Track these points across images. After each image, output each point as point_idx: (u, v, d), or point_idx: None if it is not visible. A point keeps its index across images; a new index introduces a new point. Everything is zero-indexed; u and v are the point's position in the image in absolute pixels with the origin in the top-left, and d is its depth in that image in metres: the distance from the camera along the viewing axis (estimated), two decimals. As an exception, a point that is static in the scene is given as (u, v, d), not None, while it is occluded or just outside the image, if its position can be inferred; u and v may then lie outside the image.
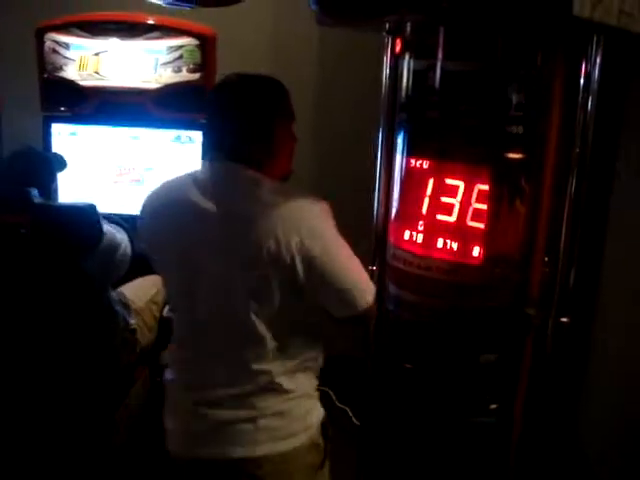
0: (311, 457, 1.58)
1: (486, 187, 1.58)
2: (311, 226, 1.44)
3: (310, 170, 3.54)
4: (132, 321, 2.42)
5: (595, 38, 1.47)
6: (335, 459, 2.78)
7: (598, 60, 1.49)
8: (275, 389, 1.50)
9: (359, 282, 1.49)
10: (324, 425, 1.63)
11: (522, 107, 1.55)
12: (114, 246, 2.18)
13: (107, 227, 2.14)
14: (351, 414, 3.19)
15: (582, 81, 1.51)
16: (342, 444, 2.90)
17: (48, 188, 2.18)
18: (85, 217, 2.07)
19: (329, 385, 3.44)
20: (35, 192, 2.07)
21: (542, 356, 1.65)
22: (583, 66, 1.51)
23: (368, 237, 1.97)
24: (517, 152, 1.58)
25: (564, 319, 1.59)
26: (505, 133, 1.56)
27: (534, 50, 1.55)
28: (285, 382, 1.52)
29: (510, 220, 1.62)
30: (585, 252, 1.71)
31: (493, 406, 1.71)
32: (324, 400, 1.68)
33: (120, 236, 2.22)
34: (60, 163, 2.35)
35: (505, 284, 1.65)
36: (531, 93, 1.55)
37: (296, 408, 1.55)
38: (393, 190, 1.79)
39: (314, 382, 1.64)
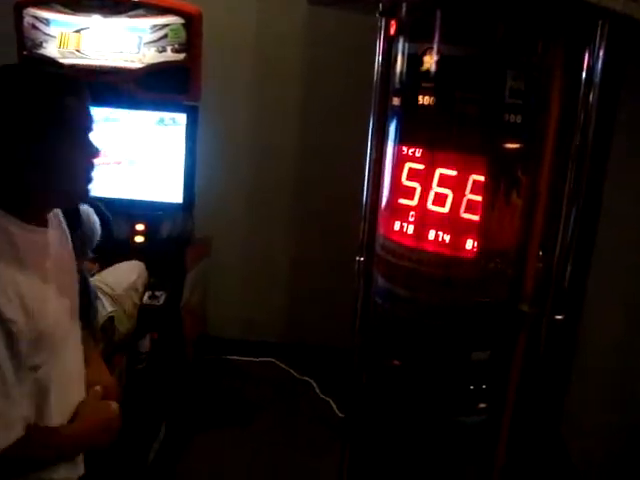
0: None
1: (481, 178, 1.51)
2: None
3: (297, 155, 3.49)
4: (110, 309, 2.34)
5: (599, 25, 1.40)
6: (318, 451, 2.77)
7: (601, 53, 1.42)
8: None
9: None
10: None
11: (521, 95, 1.48)
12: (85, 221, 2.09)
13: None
14: (334, 406, 3.16)
15: (584, 73, 1.45)
16: (325, 436, 2.89)
17: None
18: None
19: (312, 376, 3.42)
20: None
21: (535, 354, 1.60)
22: (586, 57, 1.44)
23: (357, 226, 1.91)
24: (515, 142, 1.52)
25: (559, 316, 1.54)
26: (502, 122, 1.49)
27: (535, 36, 1.48)
28: None
29: (505, 213, 1.56)
30: (580, 247, 1.66)
31: (482, 405, 1.66)
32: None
33: (85, 207, 2.13)
34: None
35: (499, 279, 1.59)
36: (531, 81, 1.49)
37: None
38: (384, 179, 1.72)
39: None
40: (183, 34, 2.66)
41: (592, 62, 1.43)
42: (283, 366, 3.53)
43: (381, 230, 1.72)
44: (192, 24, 2.66)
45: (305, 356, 3.52)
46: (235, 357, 3.59)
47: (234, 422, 3.09)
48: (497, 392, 1.65)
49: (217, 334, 3.59)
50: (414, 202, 1.61)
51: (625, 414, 2.26)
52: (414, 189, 1.61)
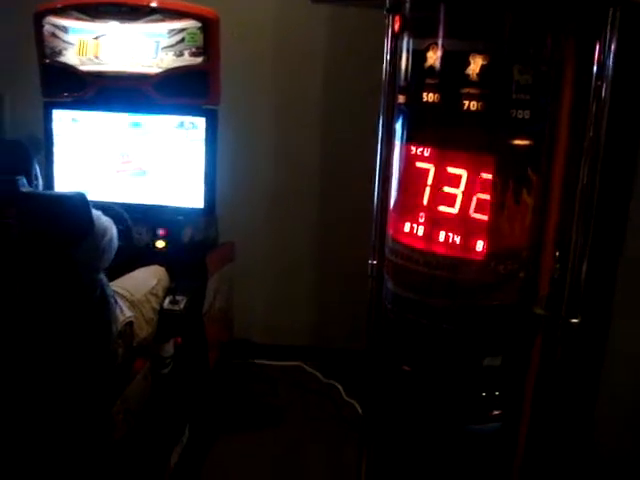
0: None
1: (489, 176, 1.45)
2: None
3: (320, 157, 3.45)
4: (129, 314, 2.34)
5: (610, 13, 1.34)
6: (343, 453, 2.73)
7: (613, 43, 1.36)
8: None
9: None
10: None
11: (529, 90, 1.42)
12: (102, 231, 2.09)
13: (94, 211, 2.05)
14: (359, 408, 3.12)
15: (595, 65, 1.39)
16: (350, 438, 2.85)
17: (30, 175, 2.08)
18: (74, 206, 1.98)
19: (337, 379, 3.38)
20: (23, 181, 1.99)
21: (550, 359, 1.54)
22: (597, 47, 1.38)
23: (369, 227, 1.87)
24: (523, 138, 1.46)
25: (575, 320, 1.47)
26: (510, 118, 1.43)
27: (543, 27, 1.42)
28: None
29: (516, 212, 1.50)
30: (602, 247, 1.59)
31: (496, 412, 1.60)
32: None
33: (105, 219, 2.13)
34: (36, 147, 2.24)
35: (511, 281, 1.54)
36: (539, 74, 1.43)
37: None
38: (392, 179, 1.68)
39: None
40: (200, 38, 2.65)
41: (604, 53, 1.37)
42: (310, 370, 3.50)
43: (390, 232, 1.68)
44: (209, 27, 2.65)
45: (331, 359, 3.49)
46: (262, 361, 3.58)
47: (260, 425, 3.08)
48: (511, 399, 1.59)
49: (244, 338, 3.58)
50: (423, 203, 1.56)
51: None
52: (423, 189, 1.56)
